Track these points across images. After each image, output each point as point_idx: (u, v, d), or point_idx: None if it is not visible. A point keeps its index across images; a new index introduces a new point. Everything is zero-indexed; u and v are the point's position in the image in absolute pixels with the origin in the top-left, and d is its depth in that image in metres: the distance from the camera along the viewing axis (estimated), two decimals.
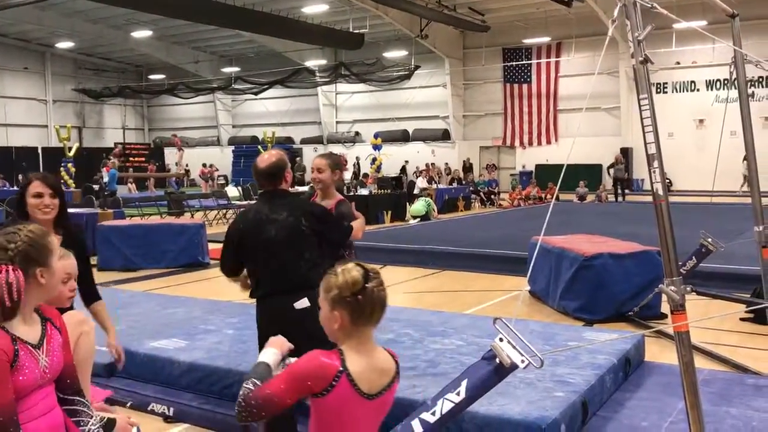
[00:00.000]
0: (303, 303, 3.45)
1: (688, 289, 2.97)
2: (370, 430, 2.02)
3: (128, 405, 4.69)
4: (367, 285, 1.95)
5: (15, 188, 21.69)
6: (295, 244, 3.56)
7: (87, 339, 2.55)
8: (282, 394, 1.87)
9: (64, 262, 2.50)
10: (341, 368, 1.90)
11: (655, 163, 2.92)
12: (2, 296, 1.96)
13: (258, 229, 3.58)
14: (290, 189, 3.85)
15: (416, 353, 4.89)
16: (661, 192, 2.92)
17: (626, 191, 24.10)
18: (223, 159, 34.34)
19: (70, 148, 21.58)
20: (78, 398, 2.24)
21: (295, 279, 3.52)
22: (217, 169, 31.22)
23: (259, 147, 26.65)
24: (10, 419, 1.95)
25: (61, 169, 21.60)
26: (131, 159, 31.51)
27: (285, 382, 1.89)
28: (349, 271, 1.97)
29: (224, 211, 18.25)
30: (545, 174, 26.99)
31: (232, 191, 20.18)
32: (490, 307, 7.74)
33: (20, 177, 24.64)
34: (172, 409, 4.57)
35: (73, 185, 21.43)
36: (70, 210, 15.29)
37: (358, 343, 1.96)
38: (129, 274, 10.16)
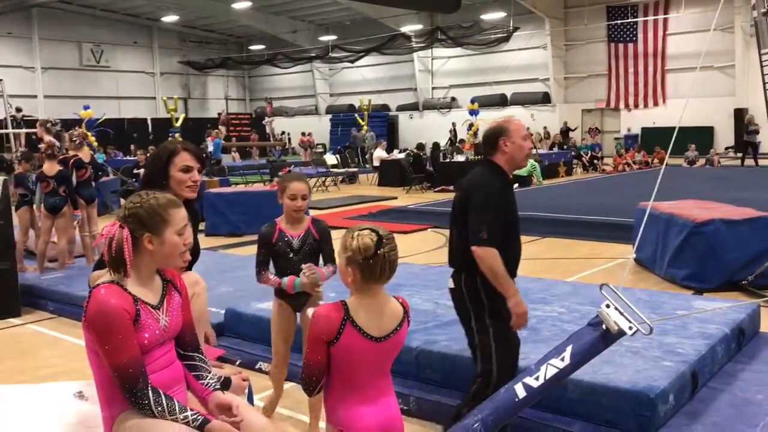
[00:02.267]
0: (449, 283, 3.45)
1: None
2: (381, 367, 2.24)
3: (237, 363, 4.91)
4: (378, 251, 2.12)
5: (128, 158, 22.88)
6: (453, 218, 3.46)
7: (199, 299, 2.68)
8: (312, 357, 2.17)
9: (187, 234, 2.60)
10: (345, 317, 2.14)
11: None
12: (103, 248, 2.15)
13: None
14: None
15: None
16: None
17: (758, 156, 21.25)
18: (320, 127, 34.88)
19: (177, 119, 22.49)
20: (197, 355, 2.36)
21: (452, 255, 3.50)
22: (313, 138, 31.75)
23: (356, 115, 26.86)
24: (139, 371, 2.10)
25: (170, 138, 22.56)
26: (234, 128, 32.51)
27: (309, 347, 2.18)
28: (363, 236, 2.15)
29: (323, 178, 18.60)
30: (652, 137, 25.83)
31: (330, 159, 20.50)
32: (593, 275, 7.55)
33: (132, 147, 25.96)
34: None
35: None
36: None
37: (367, 295, 2.19)
38: (234, 239, 10.56)
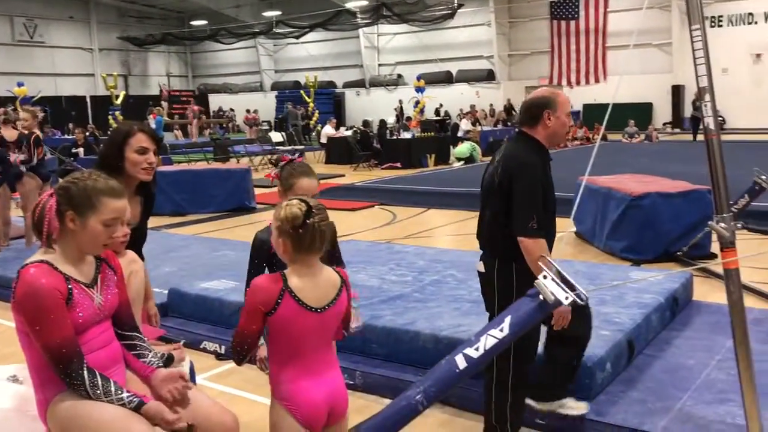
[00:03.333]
0: (479, 267, 3.28)
1: (739, 225, 2.89)
2: (323, 338, 2.23)
3: (181, 343, 4.85)
4: (308, 221, 2.12)
5: (66, 137, 22.18)
6: (488, 198, 3.21)
7: (136, 278, 2.63)
8: (246, 326, 2.15)
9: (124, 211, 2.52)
10: (283, 287, 2.13)
11: (707, 97, 2.82)
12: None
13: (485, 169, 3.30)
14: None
15: (460, 293, 4.93)
16: (712, 127, 2.83)
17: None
18: (266, 104, 34.43)
19: (117, 96, 21.88)
20: (135, 334, 2.32)
21: (481, 237, 3.30)
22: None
23: (302, 92, 26.60)
24: (73, 351, 2.05)
25: (110, 116, 21.99)
26: (176, 106, 31.82)
27: (243, 316, 2.16)
28: (291, 206, 2.15)
29: (269, 156, 18.40)
30: (593, 114, 26.35)
31: (276, 136, 20.27)
32: None
33: (70, 125, 25.15)
34: (223, 347, 4.72)
35: None
36: None
37: (302, 266, 2.18)
38: (178, 218, 10.39)
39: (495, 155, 3.28)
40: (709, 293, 5.48)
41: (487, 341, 2.52)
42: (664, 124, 27.86)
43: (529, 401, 3.44)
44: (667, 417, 3.39)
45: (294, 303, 2.13)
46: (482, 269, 3.24)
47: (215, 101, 36.76)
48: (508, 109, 28.35)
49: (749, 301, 5.22)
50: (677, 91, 24.81)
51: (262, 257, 2.75)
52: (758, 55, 25.07)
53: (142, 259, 3.06)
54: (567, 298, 2.47)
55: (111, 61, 36.33)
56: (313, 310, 2.16)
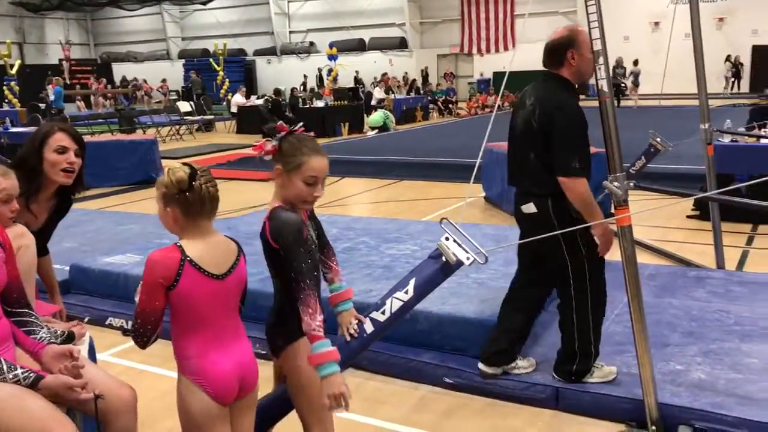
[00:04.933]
0: (529, 208, 3.30)
1: (631, 185, 3.01)
2: (228, 307, 2.17)
3: (86, 320, 4.69)
4: (194, 182, 2.06)
5: None
6: (527, 141, 3.23)
7: (27, 252, 2.51)
8: (148, 304, 2.06)
9: (5, 183, 2.40)
10: (182, 257, 2.05)
11: (600, 60, 2.91)
12: None
13: (513, 114, 3.36)
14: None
15: (372, 260, 4.96)
16: (605, 89, 2.92)
17: (621, 97, 22.30)
18: (173, 73, 33.30)
19: (11, 66, 20.65)
20: (26, 310, 2.22)
21: (524, 180, 3.32)
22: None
23: (211, 60, 25.85)
24: None
25: (5, 87, 20.76)
26: (78, 76, 30.35)
27: (143, 293, 2.07)
28: (175, 171, 2.08)
29: (177, 127, 17.86)
30: (502, 81, 26.87)
31: (184, 106, 19.67)
32: (446, 214, 7.80)
33: None
34: (129, 323, 4.59)
35: (18, 104, 20.67)
36: (16, 130, 14.59)
37: (195, 233, 2.11)
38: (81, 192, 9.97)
39: (525, 98, 3.31)
40: (611, 251, 5.72)
41: (393, 304, 2.55)
42: None
43: (481, 366, 3.57)
44: None
45: (195, 272, 2.07)
46: (533, 209, 3.27)
47: (119, 70, 35.28)
48: (425, 77, 28.52)
49: (645, 258, 5.51)
50: None
51: (307, 245, 2.19)
52: (656, 23, 26.11)
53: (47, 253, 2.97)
54: (468, 258, 2.53)
55: (3, 28, 34.22)
56: (215, 277, 2.10)
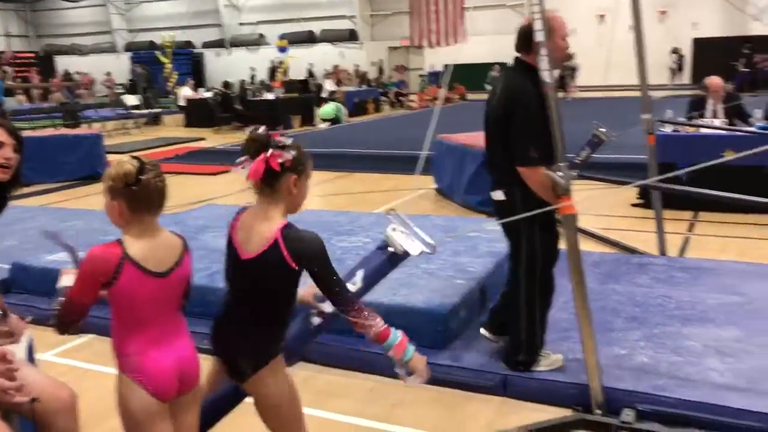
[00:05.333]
0: (498, 195, 3.39)
1: (574, 174, 3.08)
2: (169, 305, 2.13)
3: (28, 320, 4.56)
4: (141, 177, 2.02)
5: None
6: (495, 129, 3.29)
7: None
8: (77, 296, 2.04)
9: None
10: (122, 255, 2.01)
11: (542, 51, 2.95)
12: None
13: (487, 102, 3.39)
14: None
15: None
16: (548, 79, 2.97)
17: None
18: (120, 66, 32.53)
19: None
20: None
21: (494, 169, 3.40)
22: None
23: (158, 53, 25.33)
24: None
25: None
26: (18, 69, 29.41)
27: (77, 286, 2.04)
28: (123, 164, 2.05)
29: (123, 121, 17.47)
30: (453, 74, 26.95)
31: (131, 99, 19.24)
32: (398, 206, 7.85)
33: None
34: None
35: None
36: None
37: (140, 230, 2.07)
38: (23, 189, 9.67)
39: (495, 87, 3.38)
40: None
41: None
42: None
43: (484, 333, 3.67)
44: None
45: (135, 270, 2.02)
46: (501, 197, 3.34)
47: (62, 63, 34.29)
48: (380, 68, 28.45)
49: (590, 246, 5.63)
50: None
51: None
52: (602, 16, 26.58)
53: None
54: (415, 248, 2.55)
55: None
56: (156, 275, 2.06)
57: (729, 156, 4.77)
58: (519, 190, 3.27)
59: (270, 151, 2.12)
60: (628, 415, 3.08)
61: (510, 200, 3.33)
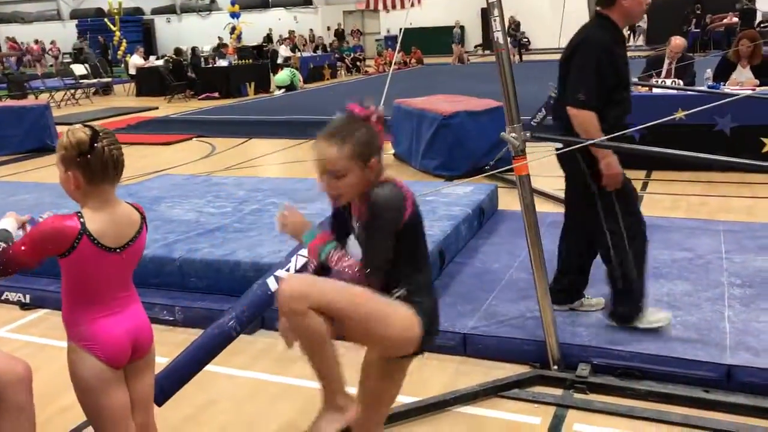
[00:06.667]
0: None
1: (527, 135, 3.09)
2: (123, 278, 2.12)
3: None
4: (96, 144, 1.98)
5: None
6: (561, 77, 3.35)
7: None
8: (23, 255, 1.98)
9: None
10: (81, 230, 1.97)
11: (495, 12, 2.94)
12: None
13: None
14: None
15: None
16: (501, 41, 2.97)
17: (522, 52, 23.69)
18: (65, 35, 31.47)
19: None
20: None
21: (562, 116, 3.36)
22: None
23: (106, 20, 24.58)
24: None
25: None
26: None
27: (26, 244, 1.99)
28: (75, 132, 2.00)
29: (72, 91, 16.97)
30: (409, 38, 26.78)
31: (79, 69, 18.68)
32: None
33: None
34: (28, 296, 4.40)
35: None
36: None
37: (98, 201, 2.03)
38: None
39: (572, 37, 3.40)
40: (513, 202, 5.83)
41: (298, 261, 2.56)
42: (476, 46, 29.03)
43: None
44: (475, 317, 3.66)
45: (92, 246, 1.99)
46: (560, 145, 3.35)
47: (5, 31, 33.02)
48: (340, 33, 28.04)
49: (548, 207, 5.70)
50: (486, 14, 25.82)
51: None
52: None
53: None
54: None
55: None
56: (112, 251, 2.03)
57: (680, 114, 4.84)
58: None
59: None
60: (583, 369, 3.16)
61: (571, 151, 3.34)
